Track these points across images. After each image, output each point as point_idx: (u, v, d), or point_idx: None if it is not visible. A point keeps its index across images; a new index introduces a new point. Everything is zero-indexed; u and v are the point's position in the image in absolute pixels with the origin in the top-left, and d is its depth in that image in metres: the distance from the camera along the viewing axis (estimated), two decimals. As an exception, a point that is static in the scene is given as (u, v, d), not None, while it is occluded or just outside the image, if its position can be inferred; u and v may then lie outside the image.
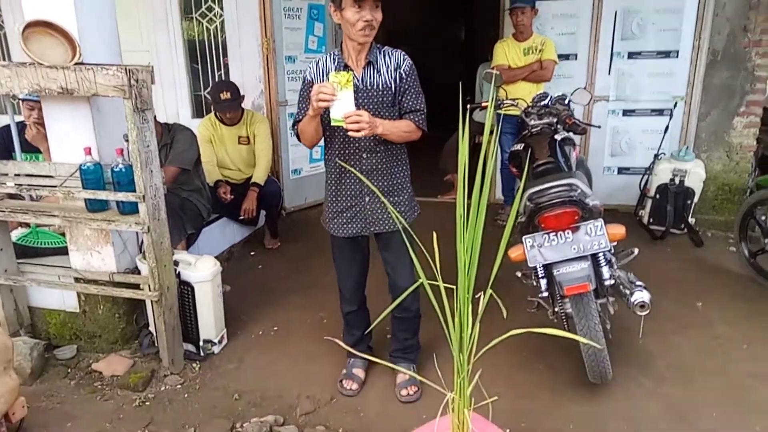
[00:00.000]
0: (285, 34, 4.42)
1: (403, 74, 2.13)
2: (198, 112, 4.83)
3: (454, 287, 1.37)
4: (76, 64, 2.29)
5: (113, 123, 2.58)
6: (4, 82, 2.33)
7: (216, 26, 4.64)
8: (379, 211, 2.22)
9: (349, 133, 1.95)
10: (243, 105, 4.00)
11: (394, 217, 2.18)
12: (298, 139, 2.22)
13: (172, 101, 4.75)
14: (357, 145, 2.14)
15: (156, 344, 2.63)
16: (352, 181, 2.18)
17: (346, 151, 2.16)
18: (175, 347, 2.56)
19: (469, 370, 1.41)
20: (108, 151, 2.53)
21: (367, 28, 1.99)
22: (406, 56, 2.16)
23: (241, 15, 4.38)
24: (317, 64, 2.17)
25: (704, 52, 4.21)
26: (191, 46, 4.78)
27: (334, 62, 2.13)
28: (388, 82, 2.11)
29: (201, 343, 2.67)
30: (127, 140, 2.35)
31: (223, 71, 4.63)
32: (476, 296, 1.45)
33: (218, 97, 3.73)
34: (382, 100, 2.10)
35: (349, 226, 2.24)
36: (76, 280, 2.63)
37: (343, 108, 1.91)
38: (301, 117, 2.16)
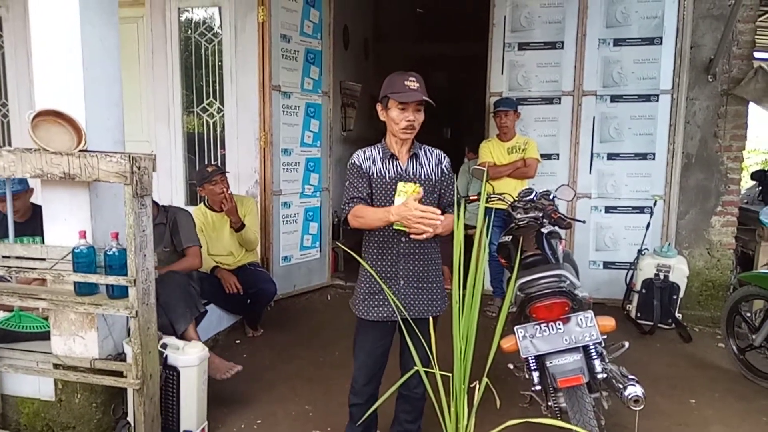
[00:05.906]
0: (282, 129, 4.63)
1: (445, 170, 2.27)
2: (192, 199, 4.93)
3: (450, 374, 1.36)
4: (80, 150, 2.38)
5: (110, 208, 2.63)
6: (7, 167, 2.39)
7: (216, 120, 4.87)
8: (411, 296, 2.20)
9: (411, 236, 2.00)
10: (237, 192, 4.08)
11: (425, 305, 2.20)
12: (346, 219, 2.20)
13: (167, 188, 4.87)
14: None
15: (132, 437, 2.50)
16: (389, 263, 2.21)
17: (386, 234, 2.19)
18: (153, 440, 2.43)
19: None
20: (102, 235, 2.56)
21: (409, 128, 2.15)
22: (445, 155, 2.31)
23: (240, 111, 4.62)
24: (364, 152, 2.27)
25: (679, 156, 4.47)
26: (190, 137, 4.98)
27: (379, 153, 2.25)
28: (429, 174, 2.24)
29: (180, 436, 2.54)
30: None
31: (219, 162, 4.78)
32: (471, 385, 1.44)
33: (206, 172, 3.80)
34: (424, 188, 2.17)
35: (379, 309, 2.20)
36: (55, 366, 2.54)
37: None
38: (356, 195, 2.18)
